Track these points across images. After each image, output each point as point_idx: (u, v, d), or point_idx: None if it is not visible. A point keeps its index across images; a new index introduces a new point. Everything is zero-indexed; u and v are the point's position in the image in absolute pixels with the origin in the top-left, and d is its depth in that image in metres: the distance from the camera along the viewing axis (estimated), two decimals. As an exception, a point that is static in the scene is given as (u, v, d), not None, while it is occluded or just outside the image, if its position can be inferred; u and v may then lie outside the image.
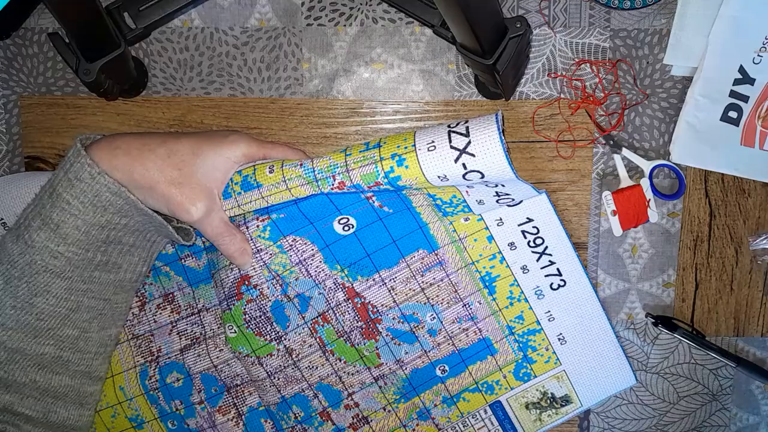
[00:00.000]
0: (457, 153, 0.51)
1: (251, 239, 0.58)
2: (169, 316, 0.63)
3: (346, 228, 0.59)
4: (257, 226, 0.58)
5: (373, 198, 0.59)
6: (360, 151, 0.54)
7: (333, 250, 0.59)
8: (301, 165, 0.55)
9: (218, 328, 0.62)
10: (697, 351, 0.64)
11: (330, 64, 0.63)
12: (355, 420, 0.63)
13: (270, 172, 0.55)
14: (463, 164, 0.51)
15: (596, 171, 0.63)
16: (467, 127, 0.51)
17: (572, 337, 0.62)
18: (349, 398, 0.63)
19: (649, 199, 0.62)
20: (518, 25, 0.52)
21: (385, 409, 0.63)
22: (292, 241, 0.59)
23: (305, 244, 0.59)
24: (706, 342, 0.63)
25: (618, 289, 0.64)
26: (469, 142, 0.51)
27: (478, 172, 0.52)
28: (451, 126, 0.52)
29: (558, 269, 0.62)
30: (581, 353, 0.63)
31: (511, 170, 0.51)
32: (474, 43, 0.51)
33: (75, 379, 0.57)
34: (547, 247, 0.62)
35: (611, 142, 0.62)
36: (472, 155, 0.51)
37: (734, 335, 0.65)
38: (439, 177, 0.53)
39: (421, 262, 0.61)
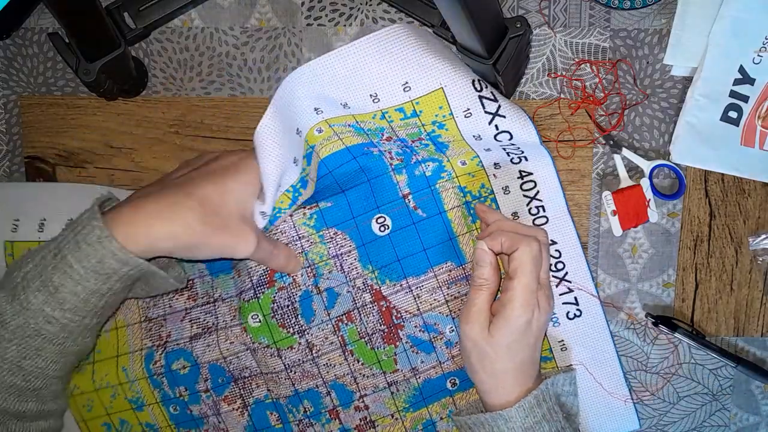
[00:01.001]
0: (491, 116, 0.57)
1: (294, 227, 0.59)
2: (185, 302, 0.62)
3: (383, 228, 0.61)
4: (303, 214, 0.59)
5: (410, 197, 0.60)
6: (400, 119, 0.58)
7: (368, 249, 0.61)
8: (349, 125, 0.58)
9: (231, 320, 0.62)
10: (697, 351, 0.64)
11: (330, 64, 0.63)
12: (362, 422, 0.63)
13: (319, 132, 0.58)
14: (496, 126, 0.57)
15: (596, 171, 0.63)
16: (492, 92, 0.56)
17: (582, 369, 0.62)
18: (360, 400, 0.62)
19: (649, 199, 0.62)
20: (518, 25, 0.52)
21: (393, 417, 0.63)
22: (333, 234, 0.60)
23: (345, 239, 0.60)
24: (706, 342, 0.63)
25: (618, 289, 0.64)
26: (500, 106, 0.57)
27: (508, 132, 0.57)
28: (477, 89, 0.56)
29: (575, 298, 0.62)
30: (588, 387, 0.63)
31: (533, 128, 0.57)
32: (474, 43, 0.51)
33: (50, 420, 0.56)
34: (567, 273, 0.62)
35: (611, 142, 0.62)
36: (503, 117, 0.57)
37: (734, 335, 0.65)
38: (474, 137, 0.58)
39: (448, 275, 0.61)
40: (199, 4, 0.62)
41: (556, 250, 0.61)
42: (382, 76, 0.56)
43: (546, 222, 0.61)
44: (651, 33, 0.61)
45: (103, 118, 0.64)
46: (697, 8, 0.60)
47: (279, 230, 0.59)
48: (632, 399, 0.63)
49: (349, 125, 0.58)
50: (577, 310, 0.62)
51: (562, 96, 0.62)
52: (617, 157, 0.62)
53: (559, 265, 0.61)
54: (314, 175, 0.59)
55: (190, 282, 0.62)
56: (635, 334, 0.64)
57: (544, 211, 0.61)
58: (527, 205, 0.61)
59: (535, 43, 0.62)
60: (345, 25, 0.62)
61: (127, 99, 0.63)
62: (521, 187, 0.61)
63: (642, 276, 0.64)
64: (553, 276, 0.62)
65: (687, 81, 0.62)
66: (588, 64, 0.62)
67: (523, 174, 0.60)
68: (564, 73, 0.62)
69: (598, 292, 0.62)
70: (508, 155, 0.60)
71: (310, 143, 0.58)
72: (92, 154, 0.64)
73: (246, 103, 0.63)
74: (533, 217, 0.61)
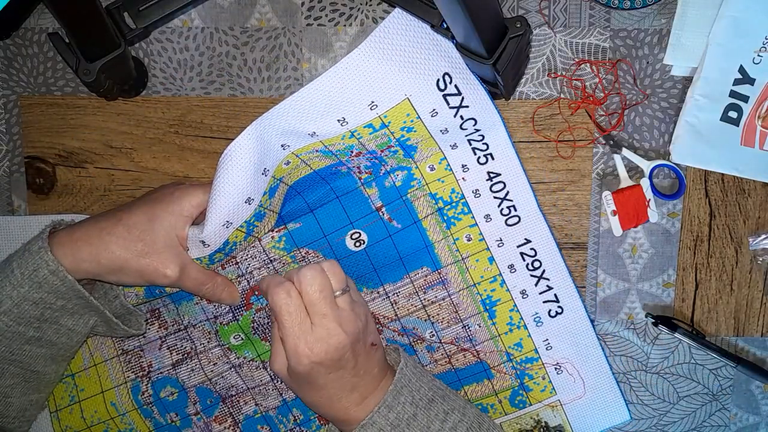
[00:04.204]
0: (455, 110, 0.59)
1: (264, 251, 0.60)
2: (158, 331, 0.63)
3: (358, 244, 0.61)
4: (272, 237, 0.60)
5: (383, 210, 0.61)
6: (369, 134, 0.59)
7: (343, 264, 0.61)
8: (317, 150, 0.58)
9: (208, 342, 0.62)
10: (697, 351, 0.64)
11: (330, 64, 0.63)
12: None
13: (287, 165, 0.58)
14: (461, 116, 0.59)
15: (596, 171, 0.63)
16: (456, 86, 0.58)
17: (568, 367, 0.62)
18: None
19: (649, 199, 0.62)
20: (518, 25, 0.52)
21: None
22: (305, 253, 0.61)
23: (317, 257, 0.61)
24: (706, 342, 0.63)
25: (618, 289, 0.64)
26: (463, 98, 0.59)
27: (473, 119, 0.59)
28: (442, 88, 0.58)
29: (555, 295, 0.62)
30: (577, 384, 0.63)
31: (495, 111, 0.59)
32: (474, 43, 0.51)
33: None
34: (544, 271, 0.62)
35: (611, 142, 0.62)
36: (467, 107, 0.59)
37: (734, 335, 0.65)
38: (441, 131, 0.59)
39: (424, 280, 0.62)
40: (199, 4, 0.62)
41: (531, 249, 0.61)
42: (348, 102, 0.58)
43: (518, 221, 0.61)
44: (651, 33, 0.61)
45: (103, 118, 0.64)
46: (697, 8, 0.60)
47: (249, 255, 0.60)
48: (620, 390, 0.63)
49: (316, 150, 0.59)
50: (559, 307, 0.62)
51: (562, 96, 0.62)
52: (617, 157, 0.62)
53: (536, 264, 0.62)
54: (277, 206, 0.59)
55: (157, 311, 0.63)
56: (635, 334, 0.64)
57: (515, 210, 0.61)
58: (498, 206, 0.61)
59: (535, 43, 0.62)
60: (345, 25, 0.62)
61: (127, 99, 0.63)
62: (491, 189, 0.61)
63: (642, 276, 0.64)
64: (531, 275, 0.62)
65: (687, 81, 0.62)
66: (588, 64, 0.62)
67: (492, 175, 0.60)
68: (564, 73, 0.62)
69: (576, 288, 0.62)
70: (474, 153, 0.60)
71: (278, 176, 0.58)
72: (92, 154, 0.64)
73: (246, 103, 0.63)
74: (505, 218, 0.61)
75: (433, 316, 0.62)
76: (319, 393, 0.54)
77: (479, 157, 0.60)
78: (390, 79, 0.58)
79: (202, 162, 0.64)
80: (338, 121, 0.59)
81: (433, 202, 0.61)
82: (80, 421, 0.63)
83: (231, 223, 0.56)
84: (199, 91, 0.63)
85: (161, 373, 0.63)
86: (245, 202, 0.56)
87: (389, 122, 0.59)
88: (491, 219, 0.61)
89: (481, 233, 0.61)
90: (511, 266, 0.62)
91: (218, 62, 0.63)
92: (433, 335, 0.62)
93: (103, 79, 0.56)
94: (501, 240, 0.61)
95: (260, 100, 0.63)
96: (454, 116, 0.59)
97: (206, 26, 0.63)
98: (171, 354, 0.62)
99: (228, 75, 0.63)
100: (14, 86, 0.64)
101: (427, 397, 0.55)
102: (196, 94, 0.63)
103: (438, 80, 0.58)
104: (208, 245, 0.56)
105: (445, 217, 0.61)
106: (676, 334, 0.62)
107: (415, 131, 0.60)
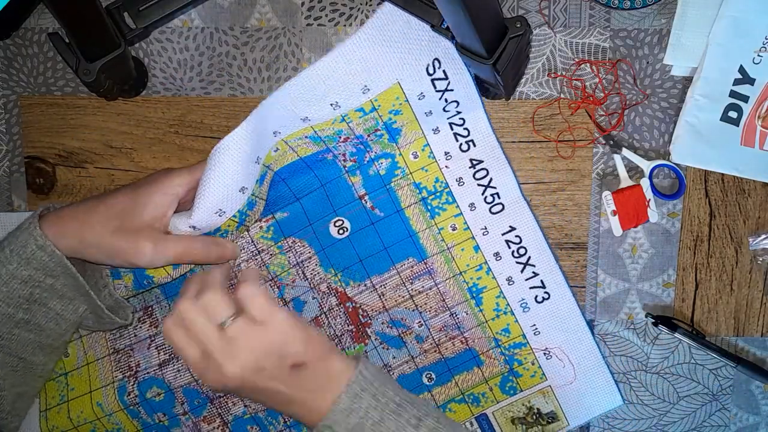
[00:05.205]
0: (441, 93, 0.60)
1: (253, 241, 0.60)
2: (148, 329, 0.63)
3: (341, 231, 0.61)
4: (260, 227, 0.60)
5: (366, 198, 0.61)
6: (359, 117, 0.60)
7: (328, 253, 0.62)
8: (306, 137, 0.59)
9: None
10: (697, 351, 0.64)
11: (330, 64, 0.63)
12: None
13: (275, 152, 0.59)
14: (445, 99, 0.60)
15: (596, 171, 0.63)
16: (444, 71, 0.59)
17: (558, 352, 0.62)
18: None
19: (649, 199, 0.62)
20: (518, 25, 0.52)
21: None
22: (292, 242, 0.61)
23: (303, 246, 0.61)
24: (706, 342, 0.63)
25: (618, 289, 0.64)
26: (449, 82, 0.59)
27: (456, 101, 0.60)
28: (430, 73, 0.59)
29: (542, 281, 0.62)
30: (567, 369, 0.63)
31: (477, 96, 0.60)
32: (474, 43, 0.51)
33: None
34: (530, 258, 0.62)
35: (611, 142, 0.62)
36: (452, 90, 0.59)
37: (734, 335, 0.65)
38: (425, 114, 0.60)
39: (411, 270, 0.62)
40: (199, 4, 0.62)
41: (516, 236, 0.62)
42: (342, 86, 0.58)
43: (502, 209, 0.62)
44: (651, 33, 0.61)
45: (103, 118, 0.64)
46: (697, 8, 0.60)
47: (238, 247, 0.60)
48: (611, 374, 0.63)
49: (306, 137, 0.59)
50: (545, 293, 0.62)
51: (562, 96, 0.62)
52: (617, 157, 0.62)
53: (521, 251, 0.62)
54: (265, 193, 0.60)
55: (149, 309, 0.63)
56: (635, 334, 0.64)
57: (499, 198, 0.61)
58: (482, 194, 0.61)
59: (535, 43, 0.62)
60: (345, 25, 0.62)
61: (127, 99, 0.63)
62: (474, 176, 0.61)
63: (642, 276, 0.64)
64: (516, 262, 0.62)
65: (687, 81, 0.62)
66: (588, 64, 0.62)
67: (474, 162, 0.61)
68: (564, 73, 0.62)
69: (564, 274, 0.62)
70: (456, 139, 0.61)
71: (266, 163, 0.58)
72: (92, 154, 0.64)
73: (246, 103, 0.63)
74: (489, 206, 0.62)
75: (420, 306, 0.62)
76: (266, 400, 0.51)
77: (461, 144, 0.61)
78: (383, 64, 0.59)
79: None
80: (331, 105, 0.59)
81: (417, 191, 0.61)
82: (67, 421, 0.63)
83: (224, 212, 0.56)
84: (199, 91, 0.63)
85: (148, 373, 0.62)
86: (239, 191, 0.56)
87: (379, 105, 0.60)
88: (475, 207, 0.62)
89: (465, 222, 0.62)
90: (496, 254, 0.62)
91: (218, 62, 0.63)
92: (422, 324, 0.62)
93: (103, 79, 0.56)
94: (486, 228, 0.62)
95: (260, 99, 0.63)
96: (440, 99, 0.60)
97: (206, 26, 0.63)
98: (158, 354, 0.62)
99: (228, 75, 0.63)
100: (14, 86, 0.64)
101: (395, 402, 0.51)
102: (196, 94, 0.63)
103: (428, 65, 0.59)
104: (198, 229, 0.56)
105: (429, 207, 0.62)
106: (676, 334, 0.62)
107: (401, 114, 0.60)
